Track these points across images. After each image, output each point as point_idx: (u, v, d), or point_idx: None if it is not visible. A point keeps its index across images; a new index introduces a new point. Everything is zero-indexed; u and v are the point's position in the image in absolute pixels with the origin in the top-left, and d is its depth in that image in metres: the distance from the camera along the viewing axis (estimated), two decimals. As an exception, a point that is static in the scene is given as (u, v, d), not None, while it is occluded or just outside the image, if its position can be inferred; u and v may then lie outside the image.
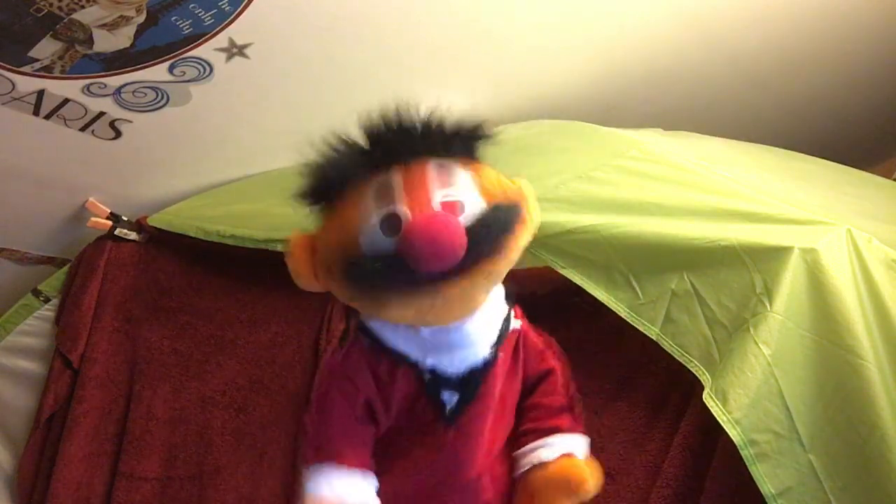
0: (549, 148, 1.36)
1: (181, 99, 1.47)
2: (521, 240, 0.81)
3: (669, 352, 1.06)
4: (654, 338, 1.07)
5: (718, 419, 0.95)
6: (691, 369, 1.03)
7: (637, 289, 1.10)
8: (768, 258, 1.00)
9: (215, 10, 1.27)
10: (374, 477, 0.85)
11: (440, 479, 0.87)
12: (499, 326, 0.88)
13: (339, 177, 0.80)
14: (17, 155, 1.54)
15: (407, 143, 0.78)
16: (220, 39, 1.34)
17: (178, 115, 1.51)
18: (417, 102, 0.80)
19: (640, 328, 1.08)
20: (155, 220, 1.64)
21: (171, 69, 1.38)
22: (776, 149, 1.68)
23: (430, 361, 0.84)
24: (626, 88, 1.85)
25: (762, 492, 0.92)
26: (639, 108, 1.89)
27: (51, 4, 1.17)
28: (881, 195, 1.53)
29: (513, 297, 0.91)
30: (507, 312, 0.90)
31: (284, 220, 1.46)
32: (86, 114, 1.45)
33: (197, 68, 1.39)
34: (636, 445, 1.14)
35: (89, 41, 1.27)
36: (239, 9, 1.28)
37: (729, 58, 1.87)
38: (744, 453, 0.93)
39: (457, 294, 0.77)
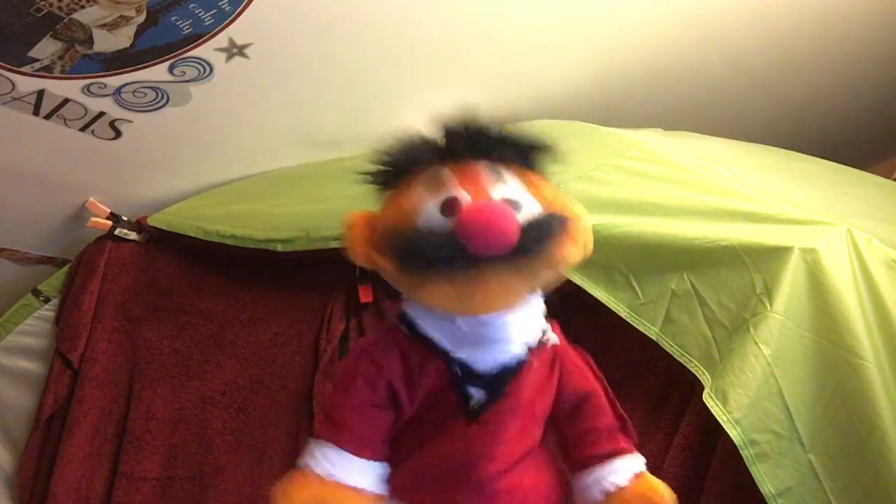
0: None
1: (181, 99, 1.47)
2: (569, 255, 0.83)
3: (669, 352, 1.06)
4: (654, 338, 1.07)
5: (718, 419, 0.95)
6: (691, 369, 1.03)
7: (637, 289, 1.10)
8: (768, 258, 1.00)
9: (215, 10, 1.27)
10: (379, 463, 0.85)
11: (455, 473, 0.87)
12: (535, 332, 0.88)
13: (404, 163, 0.84)
14: (17, 155, 1.54)
15: (473, 145, 0.82)
16: (220, 39, 1.34)
17: (178, 115, 1.51)
18: (481, 107, 0.84)
19: (640, 328, 1.09)
20: (155, 220, 1.64)
21: (171, 69, 1.38)
22: (776, 149, 1.68)
23: (461, 354, 0.85)
24: (626, 88, 1.85)
25: (762, 492, 0.92)
26: (639, 108, 1.89)
27: (51, 4, 1.17)
28: (881, 195, 1.53)
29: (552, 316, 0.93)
30: (545, 326, 0.90)
31: (284, 220, 1.46)
32: (86, 114, 1.45)
33: (197, 68, 1.39)
34: (636, 445, 1.14)
35: (89, 41, 1.27)
36: (239, 9, 1.28)
37: (729, 58, 1.87)
38: (744, 453, 0.93)
39: (499, 289, 0.78)
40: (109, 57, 1.31)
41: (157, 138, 1.58)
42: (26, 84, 1.34)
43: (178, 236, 1.59)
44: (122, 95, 1.42)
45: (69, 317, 1.62)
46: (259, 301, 1.57)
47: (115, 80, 1.38)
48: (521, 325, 0.86)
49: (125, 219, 1.68)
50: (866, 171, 1.77)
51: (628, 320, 1.09)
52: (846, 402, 0.93)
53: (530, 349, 0.87)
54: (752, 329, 0.98)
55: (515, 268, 0.77)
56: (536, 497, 0.91)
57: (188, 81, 1.43)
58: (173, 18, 1.26)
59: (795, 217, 1.05)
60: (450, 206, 0.78)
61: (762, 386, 0.95)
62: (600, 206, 1.15)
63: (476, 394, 0.85)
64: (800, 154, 1.66)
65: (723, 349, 1.01)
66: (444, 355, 0.85)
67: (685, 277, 1.07)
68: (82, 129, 1.50)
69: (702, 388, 1.00)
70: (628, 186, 1.18)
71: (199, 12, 1.26)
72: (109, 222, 1.66)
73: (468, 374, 0.85)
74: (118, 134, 1.54)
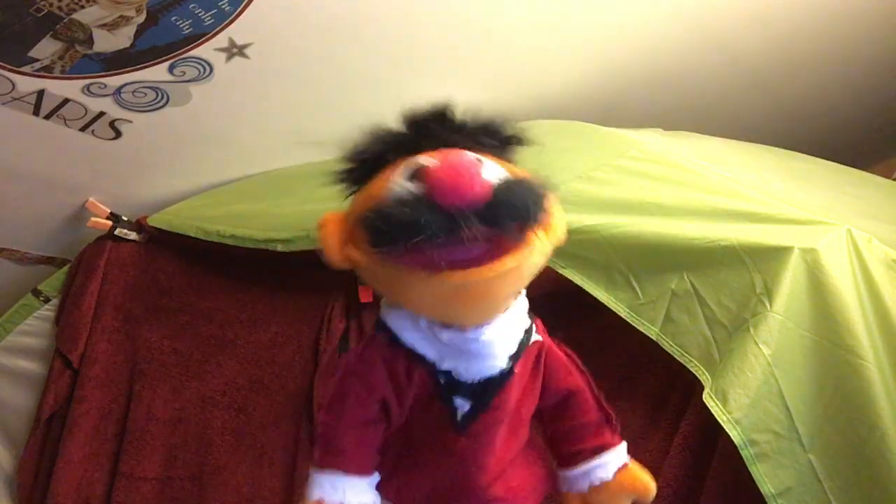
0: (549, 148, 1.35)
1: (181, 99, 1.47)
2: (545, 239, 0.79)
3: (669, 352, 1.06)
4: (654, 338, 1.07)
5: (718, 419, 0.95)
6: (691, 369, 1.03)
7: (637, 289, 1.10)
8: (768, 258, 1.00)
9: (215, 10, 1.27)
10: (376, 475, 0.85)
11: (449, 484, 0.87)
12: (519, 338, 0.86)
13: (372, 160, 0.81)
14: (17, 155, 1.54)
15: (439, 133, 0.79)
16: (220, 39, 1.34)
17: (178, 115, 1.50)
18: (452, 99, 0.81)
19: (640, 328, 1.09)
20: (155, 220, 1.64)
21: (171, 69, 1.38)
22: (776, 149, 1.68)
23: (446, 365, 0.83)
24: (626, 88, 1.85)
25: (762, 492, 0.92)
26: (639, 108, 1.89)
27: (51, 4, 1.17)
28: (881, 195, 1.53)
29: (535, 312, 0.91)
30: (528, 325, 0.89)
31: (284, 220, 1.46)
32: (86, 114, 1.45)
33: (197, 68, 1.39)
34: (636, 445, 1.13)
35: (89, 41, 1.27)
36: (239, 9, 1.28)
37: (729, 58, 1.87)
38: (744, 453, 0.93)
39: (479, 287, 0.74)
40: (109, 57, 1.31)
41: (157, 138, 1.58)
42: (26, 84, 1.34)
43: (178, 236, 1.59)
44: (122, 95, 1.42)
45: (69, 317, 1.62)
46: (259, 301, 1.57)
47: (115, 80, 1.38)
48: (505, 336, 0.84)
49: (125, 219, 1.68)
50: (866, 171, 1.77)
51: (628, 320, 1.09)
52: (846, 402, 0.93)
53: (514, 357, 0.85)
54: (752, 329, 0.98)
55: (491, 226, 0.70)
56: (525, 494, 0.91)
57: (188, 81, 1.43)
58: (173, 18, 1.26)
59: (795, 217, 1.05)
60: (418, 174, 0.73)
61: (762, 386, 0.95)
62: (600, 206, 1.15)
63: (461, 405, 0.84)
64: (800, 154, 1.66)
65: (723, 349, 1.01)
66: (427, 366, 0.83)
67: (685, 277, 1.07)
68: (82, 129, 1.50)
69: (702, 388, 1.00)
70: (628, 186, 1.18)
71: (199, 12, 1.26)
72: (109, 222, 1.66)
73: (453, 385, 0.84)
74: (118, 134, 1.54)
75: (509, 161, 0.83)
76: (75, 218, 1.73)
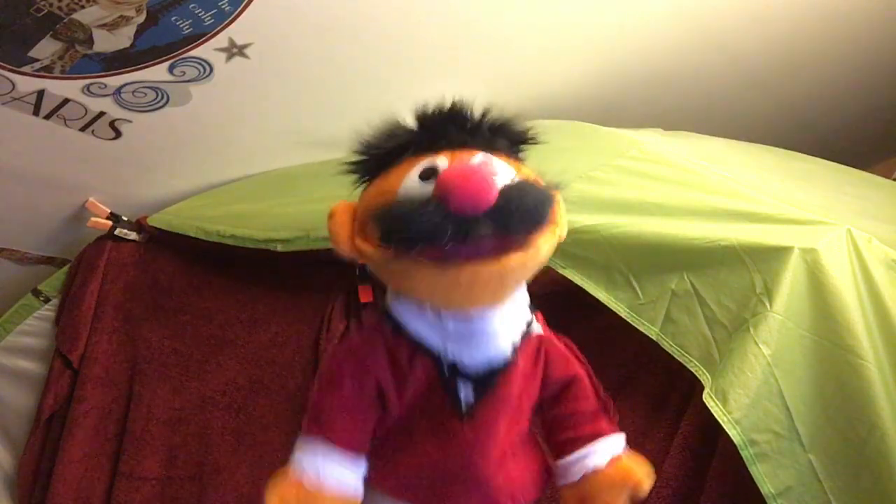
0: (549, 148, 1.36)
1: (181, 99, 1.47)
2: (547, 237, 0.81)
3: (669, 352, 1.06)
4: (654, 338, 1.07)
5: (718, 419, 0.95)
6: (691, 369, 1.03)
7: (637, 289, 1.10)
8: (768, 258, 1.00)
9: (215, 10, 1.27)
10: (364, 462, 0.86)
11: (451, 471, 0.87)
12: (521, 329, 0.88)
13: (385, 155, 0.83)
14: (17, 155, 1.54)
15: (453, 132, 0.81)
16: (220, 39, 1.34)
17: (178, 115, 1.50)
18: (470, 98, 0.83)
19: (640, 328, 1.09)
20: (155, 220, 1.64)
21: (171, 69, 1.38)
22: (776, 149, 1.68)
23: (450, 353, 0.85)
24: (626, 88, 1.85)
25: (762, 492, 0.92)
26: (639, 108, 1.89)
27: (51, 4, 1.17)
28: (881, 195, 1.53)
29: (536, 305, 0.92)
30: (530, 318, 0.90)
31: (284, 220, 1.46)
32: (86, 114, 1.45)
33: (197, 68, 1.39)
34: (636, 445, 1.13)
35: (89, 41, 1.27)
36: (239, 9, 1.28)
37: (729, 58, 1.87)
38: (744, 453, 0.93)
39: (488, 279, 0.77)
40: (109, 57, 1.31)
41: (157, 138, 1.58)
42: (26, 84, 1.34)
43: (178, 236, 1.59)
44: (122, 95, 1.42)
45: (69, 317, 1.62)
46: (259, 301, 1.57)
47: (115, 80, 1.38)
48: (508, 323, 0.86)
49: (125, 219, 1.68)
50: (866, 171, 1.77)
51: (628, 320, 1.09)
52: (846, 402, 0.93)
53: (517, 345, 0.87)
54: (752, 329, 0.98)
55: (499, 231, 0.74)
56: (525, 484, 0.92)
57: (188, 81, 1.43)
58: (173, 18, 1.26)
59: (795, 217, 1.05)
60: (428, 174, 0.77)
61: (762, 386, 0.95)
62: (600, 206, 1.15)
63: (465, 391, 0.86)
64: (800, 154, 1.66)
65: (723, 349, 1.01)
66: (431, 354, 0.85)
67: (685, 277, 1.07)
68: (82, 129, 1.50)
69: (702, 388, 1.00)
70: (628, 186, 1.18)
71: (199, 12, 1.26)
72: (109, 222, 1.66)
73: (457, 373, 0.85)
74: (118, 134, 1.54)
75: (519, 160, 0.86)
76: (75, 218, 1.73)
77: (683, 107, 1.98)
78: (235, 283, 1.59)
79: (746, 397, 0.94)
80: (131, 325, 1.62)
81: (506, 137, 0.84)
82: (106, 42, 1.28)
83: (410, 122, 0.84)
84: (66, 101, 1.41)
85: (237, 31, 1.33)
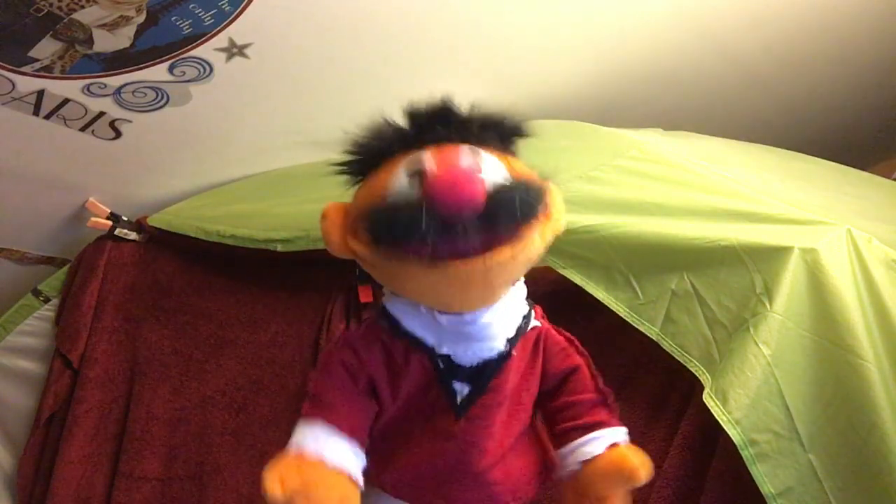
0: (549, 148, 1.36)
1: (181, 99, 1.47)
2: (543, 231, 0.81)
3: (669, 352, 1.06)
4: (654, 338, 1.07)
5: (718, 419, 0.95)
6: (691, 369, 1.03)
7: (637, 289, 1.10)
8: (768, 258, 1.00)
9: (215, 10, 1.27)
10: (364, 454, 0.85)
11: (448, 468, 0.88)
12: (517, 323, 0.89)
13: (374, 153, 0.83)
14: (17, 155, 1.54)
15: (442, 128, 0.81)
16: (220, 39, 1.34)
17: (178, 115, 1.51)
18: (455, 94, 0.83)
19: (640, 328, 1.09)
20: (155, 220, 1.64)
21: (171, 69, 1.38)
22: (776, 149, 1.68)
23: (445, 349, 0.85)
24: (626, 88, 1.85)
25: (762, 492, 0.92)
26: (639, 108, 1.89)
27: (51, 4, 1.17)
28: (881, 195, 1.53)
29: (534, 299, 0.92)
30: (527, 311, 0.91)
31: (284, 220, 1.46)
32: (86, 114, 1.45)
33: (197, 68, 1.39)
34: (636, 445, 1.14)
35: (89, 41, 1.27)
36: (239, 9, 1.28)
37: (729, 58, 1.87)
38: (744, 453, 0.93)
39: (476, 276, 0.77)
40: (109, 57, 1.31)
41: (157, 138, 1.58)
42: (26, 84, 1.34)
43: (178, 236, 1.59)
44: (122, 95, 1.42)
45: (69, 317, 1.62)
46: (259, 301, 1.57)
47: (115, 80, 1.38)
48: (503, 321, 0.86)
49: (125, 219, 1.68)
50: (866, 171, 1.77)
51: (628, 320, 1.09)
52: (846, 402, 0.93)
53: (512, 341, 0.87)
54: (752, 329, 0.98)
55: (488, 232, 0.74)
56: (526, 480, 0.92)
57: (188, 81, 1.43)
58: (173, 18, 1.26)
59: (795, 217, 1.05)
60: (416, 176, 0.77)
61: (762, 386, 0.95)
62: (600, 206, 1.15)
63: (460, 389, 0.86)
64: (800, 154, 1.66)
65: (723, 349, 1.01)
66: (427, 350, 0.86)
67: (685, 277, 1.07)
68: (82, 129, 1.50)
69: (702, 388, 1.00)
70: (628, 186, 1.18)
71: (199, 12, 1.26)
72: (109, 222, 1.66)
73: (452, 369, 0.86)
74: (118, 134, 1.54)
75: (510, 154, 0.85)
76: (75, 218, 1.73)
77: (683, 107, 1.98)
78: (235, 283, 1.59)
79: (746, 397, 0.94)
80: (131, 325, 1.61)
81: (496, 132, 0.84)
82: (106, 42, 1.28)
83: (399, 120, 0.84)
84: (66, 101, 1.41)
85: (237, 31, 1.33)
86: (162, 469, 1.50)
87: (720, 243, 1.04)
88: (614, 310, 1.10)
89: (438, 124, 0.81)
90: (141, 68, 1.36)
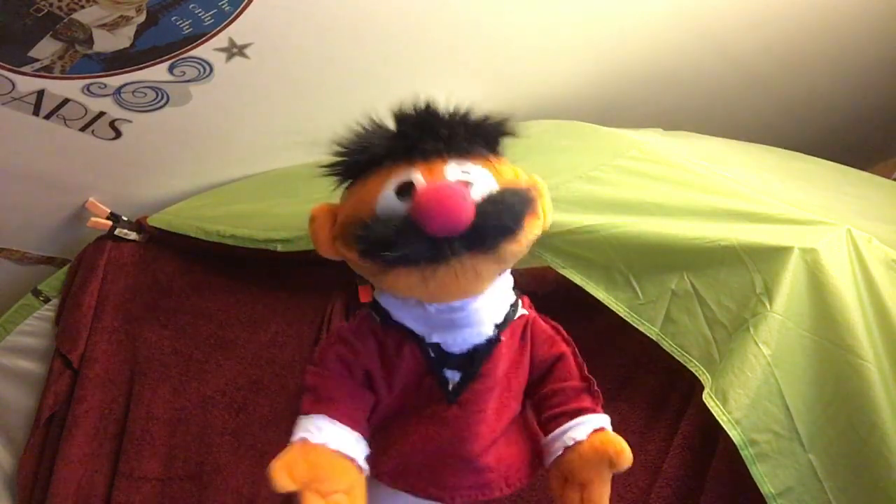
0: (549, 148, 1.36)
1: (181, 99, 1.47)
2: (530, 228, 0.83)
3: (669, 352, 1.06)
4: (654, 338, 1.07)
5: (718, 419, 0.95)
6: (691, 369, 1.03)
7: (637, 289, 1.10)
8: (768, 258, 1.00)
9: (215, 10, 1.27)
10: (365, 442, 0.86)
11: (442, 454, 0.89)
12: (505, 311, 0.90)
13: (364, 159, 0.84)
14: (17, 155, 1.54)
15: (430, 142, 0.82)
16: (220, 39, 1.34)
17: (178, 115, 1.51)
18: (444, 97, 0.84)
19: (640, 328, 1.08)
20: (155, 220, 1.64)
21: (171, 69, 1.38)
22: (776, 149, 1.68)
23: (435, 338, 0.87)
24: (626, 88, 1.85)
25: (762, 492, 0.92)
26: (639, 108, 1.89)
27: (51, 4, 1.17)
28: (881, 195, 1.53)
29: (521, 290, 0.94)
30: (514, 300, 0.92)
31: (284, 220, 1.46)
32: (86, 114, 1.45)
33: (197, 68, 1.39)
34: (636, 445, 1.13)
35: (89, 41, 1.27)
36: (239, 9, 1.28)
37: (729, 58, 1.87)
38: (744, 453, 0.93)
39: (462, 272, 0.79)
40: (109, 57, 1.31)
41: (157, 138, 1.58)
42: (26, 84, 1.34)
43: (178, 236, 1.59)
44: (122, 95, 1.42)
45: (69, 317, 1.62)
46: (259, 301, 1.57)
47: (115, 80, 1.38)
48: (491, 307, 0.88)
49: (125, 219, 1.68)
50: (866, 171, 1.77)
51: (628, 320, 1.09)
52: (846, 402, 0.93)
53: (500, 327, 0.89)
54: (752, 329, 0.98)
55: (477, 254, 0.77)
56: (518, 466, 0.92)
57: (188, 81, 1.43)
58: (173, 18, 1.26)
59: (795, 217, 1.05)
60: (405, 191, 0.79)
61: (762, 386, 0.95)
62: (600, 206, 1.15)
63: (451, 376, 0.88)
64: (800, 154, 1.66)
65: (723, 349, 1.01)
66: (418, 340, 0.87)
67: (685, 277, 1.07)
68: (82, 129, 1.50)
69: (702, 388, 1.00)
70: (628, 186, 1.18)
71: (199, 12, 1.26)
72: (109, 222, 1.66)
73: (442, 357, 0.88)
74: (118, 134, 1.54)
75: (497, 156, 0.87)
76: (75, 218, 1.73)
77: (683, 107, 1.98)
78: (235, 283, 1.59)
79: (746, 397, 0.94)
80: (131, 325, 1.61)
81: (483, 138, 0.85)
82: (106, 42, 1.28)
83: (387, 124, 0.85)
84: (66, 101, 1.41)
85: (237, 31, 1.33)
86: (162, 469, 1.50)
87: (720, 243, 1.04)
88: (614, 310, 1.10)
89: (426, 135, 0.82)
90: (141, 68, 1.36)
